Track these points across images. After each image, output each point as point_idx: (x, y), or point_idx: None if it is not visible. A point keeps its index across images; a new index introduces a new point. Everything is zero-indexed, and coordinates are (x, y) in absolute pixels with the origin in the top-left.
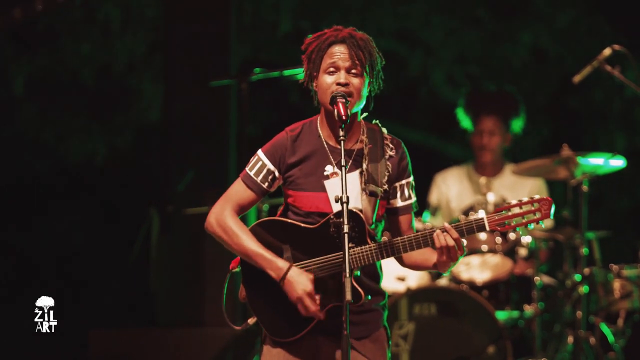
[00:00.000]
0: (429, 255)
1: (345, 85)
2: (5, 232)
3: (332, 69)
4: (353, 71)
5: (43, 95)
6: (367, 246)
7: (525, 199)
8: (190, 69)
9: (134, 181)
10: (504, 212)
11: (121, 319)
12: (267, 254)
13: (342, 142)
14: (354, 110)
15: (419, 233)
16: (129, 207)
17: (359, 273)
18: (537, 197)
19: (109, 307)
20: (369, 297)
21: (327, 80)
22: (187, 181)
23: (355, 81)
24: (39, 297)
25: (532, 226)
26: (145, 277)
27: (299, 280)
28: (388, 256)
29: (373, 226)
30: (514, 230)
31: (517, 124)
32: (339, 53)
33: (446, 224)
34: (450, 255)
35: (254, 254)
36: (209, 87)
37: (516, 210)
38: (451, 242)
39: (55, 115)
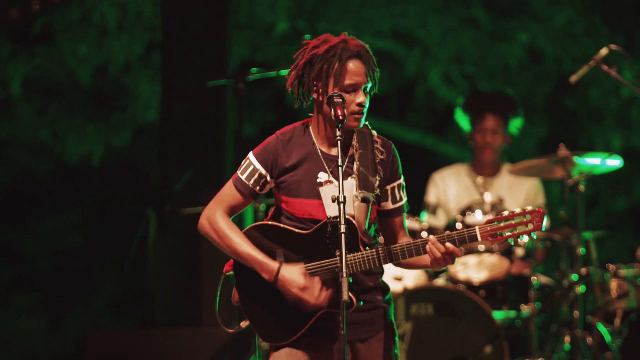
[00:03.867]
0: (422, 258)
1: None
2: (2, 232)
3: (351, 89)
4: (366, 89)
5: (40, 96)
6: (360, 253)
7: (518, 211)
8: (187, 68)
9: (131, 181)
10: (496, 223)
11: (118, 319)
12: (259, 256)
13: (339, 142)
14: (361, 125)
15: (412, 243)
16: (127, 207)
17: (351, 280)
18: (529, 209)
19: (106, 307)
20: (362, 303)
21: (347, 98)
22: (184, 181)
23: (366, 99)
24: (36, 296)
25: (523, 238)
26: (143, 277)
27: (292, 278)
28: (380, 264)
29: (367, 231)
30: (506, 241)
31: (515, 125)
32: (358, 72)
33: (435, 237)
34: (444, 263)
35: (246, 255)
36: (206, 87)
37: (509, 221)
38: (443, 252)
39: (53, 116)
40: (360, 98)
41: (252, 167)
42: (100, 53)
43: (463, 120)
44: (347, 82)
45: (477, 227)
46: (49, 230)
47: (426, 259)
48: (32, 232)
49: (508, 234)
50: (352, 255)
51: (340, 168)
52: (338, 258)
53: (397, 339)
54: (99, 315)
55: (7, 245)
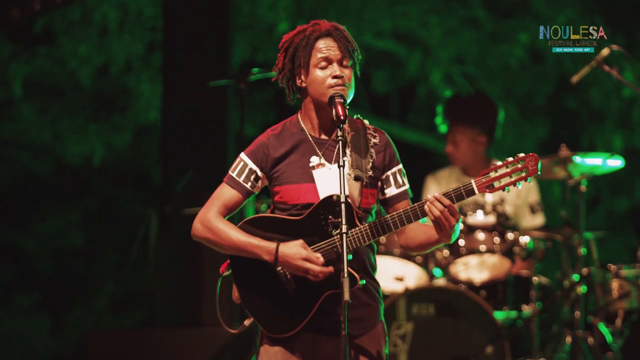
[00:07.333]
0: (430, 232)
1: (341, 77)
2: (3, 232)
3: (324, 63)
4: (344, 62)
5: (41, 96)
6: (358, 228)
7: (511, 159)
8: (188, 69)
9: (132, 182)
10: (491, 173)
11: (118, 319)
12: (255, 241)
13: (340, 141)
14: (349, 100)
15: (409, 208)
16: (127, 207)
17: (350, 256)
18: (522, 154)
19: (107, 307)
20: (364, 281)
21: (321, 74)
22: (185, 181)
23: (347, 72)
24: (36, 296)
25: (520, 185)
26: (143, 277)
27: (291, 251)
28: (380, 235)
29: (360, 208)
30: (503, 190)
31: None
32: (328, 46)
33: (432, 195)
34: (447, 224)
35: (243, 243)
36: (207, 88)
37: (503, 170)
38: (441, 209)
39: (53, 116)
40: (336, 70)
41: (242, 164)
42: (101, 53)
43: (442, 127)
44: (319, 56)
45: (472, 181)
46: (49, 230)
47: (433, 233)
48: (32, 232)
49: (505, 182)
50: (350, 231)
51: (341, 168)
52: (335, 237)
53: (387, 338)
54: (99, 315)
55: (8, 245)
